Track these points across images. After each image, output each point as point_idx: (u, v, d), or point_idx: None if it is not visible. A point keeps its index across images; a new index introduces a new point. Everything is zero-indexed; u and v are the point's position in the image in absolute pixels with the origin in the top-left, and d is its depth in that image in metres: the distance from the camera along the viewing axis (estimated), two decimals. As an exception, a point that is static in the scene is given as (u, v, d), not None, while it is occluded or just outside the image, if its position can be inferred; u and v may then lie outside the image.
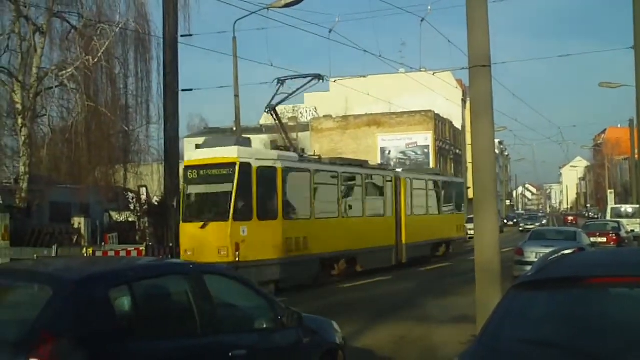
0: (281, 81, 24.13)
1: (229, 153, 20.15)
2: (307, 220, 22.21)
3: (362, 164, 27.94)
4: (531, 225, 65.29)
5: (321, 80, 24.79)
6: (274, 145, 33.55)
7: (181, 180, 22.42)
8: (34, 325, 5.52)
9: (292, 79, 25.06)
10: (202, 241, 19.21)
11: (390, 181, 28.34)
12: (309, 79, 24.72)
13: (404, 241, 28.71)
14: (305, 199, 22.41)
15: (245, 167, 19.82)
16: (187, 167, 20.99)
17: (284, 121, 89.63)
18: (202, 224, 19.73)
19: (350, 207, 25.14)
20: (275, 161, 21.08)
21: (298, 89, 25.29)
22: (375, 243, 26.35)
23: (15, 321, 5.86)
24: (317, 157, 25.23)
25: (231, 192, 19.55)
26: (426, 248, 31.47)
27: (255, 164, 20.09)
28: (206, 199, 21.07)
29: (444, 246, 33.85)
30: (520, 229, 70.30)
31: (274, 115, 23.96)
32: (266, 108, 23.98)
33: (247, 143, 21.72)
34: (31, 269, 7.20)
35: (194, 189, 20.84)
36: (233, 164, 19.75)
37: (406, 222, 28.99)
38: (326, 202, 23.57)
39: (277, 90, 23.91)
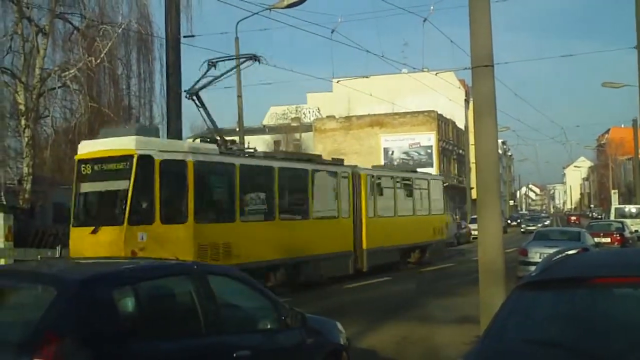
0: (212, 63, 21.48)
1: (125, 144, 17.00)
2: (230, 223, 18.95)
3: (312, 158, 25.16)
4: (533, 226, 63.38)
5: (257, 62, 22.31)
6: (198, 135, 28.33)
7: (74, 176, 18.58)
8: (38, 326, 5.52)
9: (224, 60, 22.59)
10: (93, 249, 15.67)
11: (347, 178, 24.66)
12: (243, 60, 23.36)
13: (364, 246, 25.04)
14: (227, 199, 19.51)
15: (145, 160, 16.73)
16: (79, 161, 17.67)
17: (286, 121, 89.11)
18: (92, 228, 16.65)
19: (291, 208, 22.08)
20: (186, 154, 17.86)
21: (228, 71, 22.60)
22: (326, 249, 22.69)
23: (19, 322, 5.87)
24: (251, 150, 22.30)
25: (127, 191, 16.57)
26: (394, 254, 27.69)
27: (158, 157, 16.91)
28: (100, 198, 18.04)
29: (418, 251, 29.97)
30: (522, 230, 67.78)
31: (197, 101, 20.87)
32: (187, 92, 20.99)
33: (153, 132, 19.09)
34: (35, 270, 7.21)
35: (86, 187, 17.67)
36: (130, 157, 16.68)
37: (368, 224, 25.43)
38: (258, 203, 20.52)
39: (205, 73, 21.11)
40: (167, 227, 16.84)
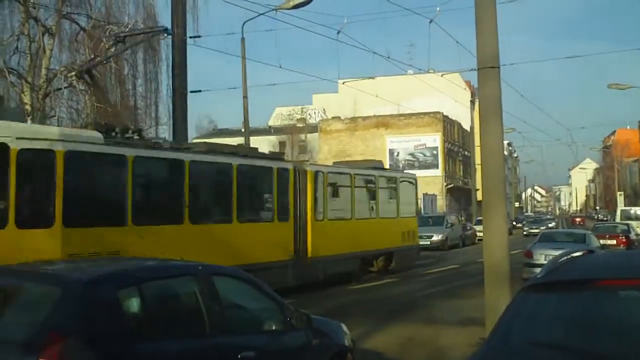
0: (120, 38, 19.84)
1: None
2: (119, 228, 15.33)
3: (239, 150, 20.73)
4: (536, 228, 60.57)
5: (167, 34, 20.99)
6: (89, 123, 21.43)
7: None
8: (43, 326, 5.54)
9: (132, 35, 20.97)
10: None
11: (287, 175, 20.95)
12: (152, 33, 22.67)
13: (309, 254, 21.30)
14: (115, 198, 15.89)
15: None
16: None
17: (292, 122, 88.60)
18: None
19: (208, 209, 18.66)
20: (54, 143, 14.26)
21: (137, 44, 21.21)
22: (256, 258, 18.51)
23: (24, 322, 5.87)
24: (159, 141, 18.49)
25: None
26: (351, 262, 23.73)
27: (14, 145, 13.51)
28: None
29: (383, 259, 26.26)
30: (525, 233, 64.21)
31: (89, 79, 18.80)
32: (75, 72, 18.61)
33: (15, 116, 16.46)
34: (40, 270, 7.21)
35: None
36: None
37: (315, 228, 21.71)
38: (159, 203, 17.14)
39: (110, 48, 18.97)
40: (25, 232, 13.45)
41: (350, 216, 24.09)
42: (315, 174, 22.39)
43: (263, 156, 21.28)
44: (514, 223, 75.05)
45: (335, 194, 23.61)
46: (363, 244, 24.41)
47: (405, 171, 31.49)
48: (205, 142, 21.44)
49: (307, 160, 25.42)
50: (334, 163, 30.94)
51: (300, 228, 21.30)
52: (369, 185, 25.86)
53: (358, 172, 25.56)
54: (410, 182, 29.68)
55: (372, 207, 25.87)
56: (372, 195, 26.00)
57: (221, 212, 18.81)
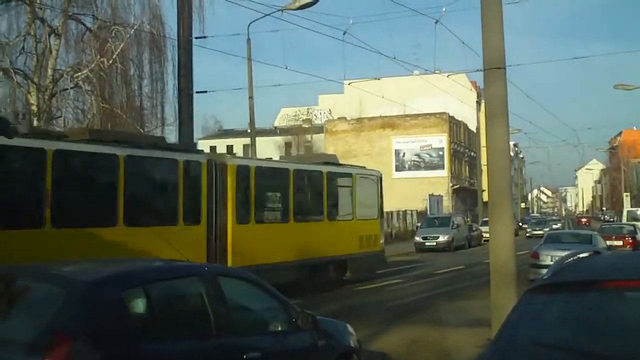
0: None
1: None
2: None
3: (129, 139, 17.03)
4: (539, 230, 58.26)
5: (25, 4, 19.81)
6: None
7: None
8: (49, 327, 5.54)
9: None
10: None
11: (199, 170, 17.65)
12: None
13: (229, 263, 17.81)
14: None
15: None
16: None
17: (297, 123, 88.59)
18: None
19: (83, 210, 14.91)
20: None
21: None
22: None
23: (30, 322, 5.86)
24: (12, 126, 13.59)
25: None
26: (289, 272, 19.68)
27: None
28: None
29: (333, 268, 22.57)
30: (527, 234, 60.79)
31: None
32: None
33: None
34: (46, 270, 7.20)
35: None
36: None
37: (236, 233, 18.32)
38: (17, 204, 13.88)
39: None
40: None
41: (288, 219, 20.61)
42: (239, 168, 18.95)
43: (167, 147, 17.79)
44: (520, 224, 74.44)
45: (267, 192, 20.21)
46: (306, 251, 20.75)
47: (367, 168, 25.68)
48: (88, 129, 18.02)
49: (235, 154, 20.96)
50: (280, 157, 28.33)
51: (217, 233, 17.93)
52: (314, 182, 22.30)
53: (299, 167, 21.93)
54: (372, 180, 25.65)
55: (317, 208, 22.24)
56: (319, 195, 22.34)
57: (100, 213, 15.34)
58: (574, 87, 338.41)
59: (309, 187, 22.30)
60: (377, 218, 25.53)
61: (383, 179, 26.63)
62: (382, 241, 25.78)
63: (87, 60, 27.14)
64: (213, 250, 17.69)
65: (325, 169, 22.72)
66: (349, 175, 24.09)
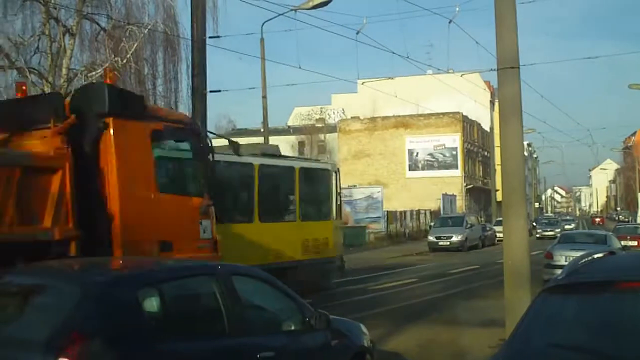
0: None
1: None
2: None
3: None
4: (551, 231, 55.68)
5: None
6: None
7: None
8: (63, 326, 5.55)
9: None
10: None
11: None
12: None
13: None
14: None
15: None
16: None
17: (311, 122, 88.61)
18: None
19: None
20: None
21: None
22: None
23: (45, 322, 5.88)
24: None
25: None
26: None
27: None
28: None
29: None
30: (538, 235, 56.43)
31: None
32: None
33: None
34: (60, 270, 7.24)
35: None
36: None
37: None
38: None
39: None
40: None
41: None
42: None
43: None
44: (534, 224, 73.48)
45: None
46: (229, 259, 15.34)
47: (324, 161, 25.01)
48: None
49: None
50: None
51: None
52: (243, 178, 19.00)
53: (223, 159, 16.24)
54: (323, 174, 22.41)
55: (247, 208, 19.02)
56: (249, 192, 19.02)
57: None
58: (589, 87, 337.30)
59: (236, 183, 19.14)
60: (330, 219, 22.13)
61: (339, 172, 23.15)
62: (337, 246, 22.71)
63: (101, 59, 27.20)
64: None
65: (257, 161, 19.24)
66: (290, 168, 20.70)
